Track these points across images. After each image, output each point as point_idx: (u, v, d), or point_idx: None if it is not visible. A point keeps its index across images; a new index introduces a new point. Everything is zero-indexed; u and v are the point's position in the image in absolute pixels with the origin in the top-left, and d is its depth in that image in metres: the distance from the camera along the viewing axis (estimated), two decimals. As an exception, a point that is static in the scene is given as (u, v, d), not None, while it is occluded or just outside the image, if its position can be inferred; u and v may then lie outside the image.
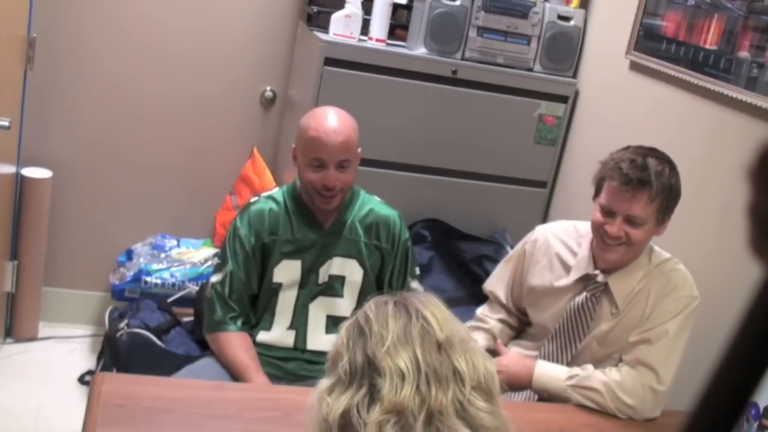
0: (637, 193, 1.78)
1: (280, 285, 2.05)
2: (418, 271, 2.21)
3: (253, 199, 2.14)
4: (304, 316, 2.07)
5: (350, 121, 2.05)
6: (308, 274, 2.06)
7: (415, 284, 2.16)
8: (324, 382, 1.15)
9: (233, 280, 2.02)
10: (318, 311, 2.07)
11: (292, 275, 2.05)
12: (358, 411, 1.08)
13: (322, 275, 2.07)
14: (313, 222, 2.07)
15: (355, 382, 1.10)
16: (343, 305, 2.07)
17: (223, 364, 1.99)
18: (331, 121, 2.01)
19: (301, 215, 2.06)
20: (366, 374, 1.10)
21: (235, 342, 1.99)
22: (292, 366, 2.04)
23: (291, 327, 2.07)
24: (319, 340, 2.06)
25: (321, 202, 2.02)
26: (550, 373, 1.92)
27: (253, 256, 2.04)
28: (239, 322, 2.01)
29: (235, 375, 1.94)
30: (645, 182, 1.77)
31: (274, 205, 2.08)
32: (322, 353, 2.05)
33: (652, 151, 1.84)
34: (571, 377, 1.87)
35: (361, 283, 2.08)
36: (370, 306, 1.17)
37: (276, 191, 2.15)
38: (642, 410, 1.83)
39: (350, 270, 2.08)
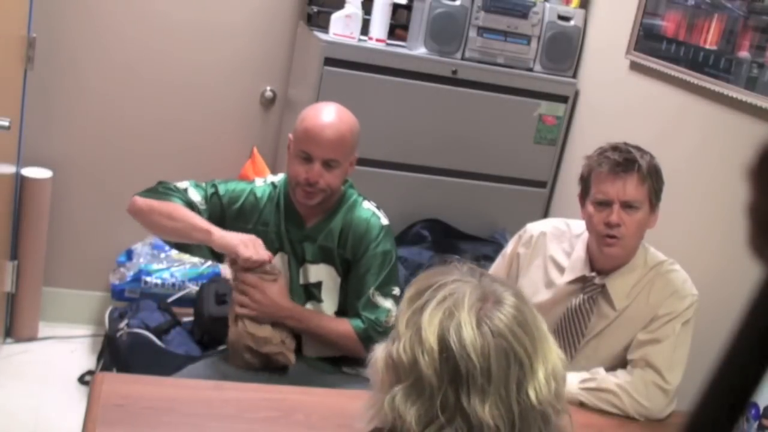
0: (628, 175, 1.81)
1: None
2: (396, 290, 2.00)
3: (258, 182, 2.09)
4: None
5: (350, 121, 1.97)
6: (292, 270, 2.03)
7: (383, 301, 1.98)
8: None
9: (199, 209, 1.97)
10: None
11: (283, 269, 2.02)
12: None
13: (302, 276, 2.04)
14: (297, 218, 2.01)
15: None
16: (325, 309, 2.04)
17: (160, 223, 1.94)
18: (329, 116, 1.94)
19: (288, 209, 2.02)
20: None
21: (181, 206, 1.93)
22: (292, 372, 2.03)
23: None
24: (313, 346, 2.04)
25: (302, 195, 1.95)
26: None
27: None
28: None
29: (188, 232, 1.91)
30: (633, 161, 1.81)
31: (271, 192, 2.04)
32: (318, 359, 2.05)
33: (628, 143, 1.88)
34: (584, 381, 1.87)
35: (339, 287, 2.04)
36: None
37: (280, 177, 2.10)
38: (654, 410, 1.83)
39: (326, 275, 2.03)
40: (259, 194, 2.04)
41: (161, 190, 2.00)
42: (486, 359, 1.01)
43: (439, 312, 1.04)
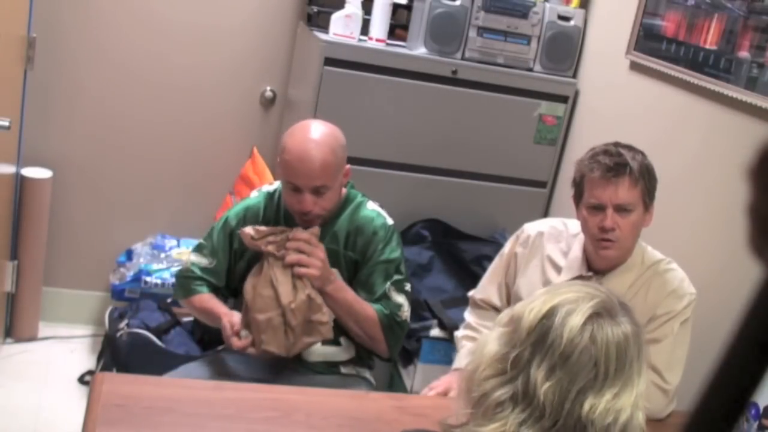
0: (620, 179, 1.80)
1: None
2: (408, 286, 2.03)
3: (253, 194, 2.11)
4: None
5: (330, 141, 1.91)
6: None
7: (397, 296, 2.00)
8: None
9: (211, 270, 2.05)
10: None
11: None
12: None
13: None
14: (300, 224, 1.97)
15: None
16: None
17: (200, 318, 2.08)
18: (308, 144, 1.89)
19: (288, 215, 2.00)
20: None
21: (206, 297, 2.04)
22: (292, 374, 2.01)
23: None
24: (313, 350, 2.01)
25: (300, 222, 1.94)
26: None
27: (239, 256, 2.04)
28: (209, 288, 2.07)
29: (211, 322, 2.02)
30: (624, 165, 1.80)
31: (270, 203, 2.04)
32: (317, 363, 2.04)
33: (619, 144, 1.88)
34: None
35: None
36: None
37: (275, 186, 2.08)
38: (654, 410, 1.83)
39: None
40: (254, 210, 2.05)
41: (183, 287, 2.07)
42: (571, 348, 1.09)
43: (568, 294, 1.14)
